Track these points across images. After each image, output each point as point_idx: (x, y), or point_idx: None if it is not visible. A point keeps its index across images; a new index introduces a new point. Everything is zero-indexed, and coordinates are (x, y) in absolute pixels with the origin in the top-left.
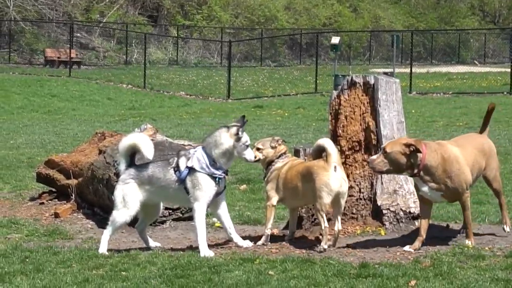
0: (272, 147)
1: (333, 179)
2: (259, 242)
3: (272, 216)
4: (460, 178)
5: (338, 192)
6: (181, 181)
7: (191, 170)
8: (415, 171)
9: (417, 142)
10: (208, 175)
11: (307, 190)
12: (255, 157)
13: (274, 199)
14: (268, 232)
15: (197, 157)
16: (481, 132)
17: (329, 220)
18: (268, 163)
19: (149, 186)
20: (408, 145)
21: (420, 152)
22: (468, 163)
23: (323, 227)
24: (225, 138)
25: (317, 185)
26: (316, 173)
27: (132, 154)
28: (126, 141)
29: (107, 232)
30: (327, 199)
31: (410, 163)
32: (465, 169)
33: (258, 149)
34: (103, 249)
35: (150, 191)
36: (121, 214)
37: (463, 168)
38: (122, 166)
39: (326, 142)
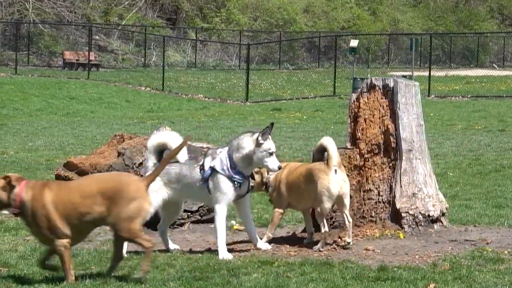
0: None
1: (333, 183)
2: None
3: (278, 221)
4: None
5: (339, 195)
6: (204, 180)
7: (213, 170)
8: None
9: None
10: (228, 177)
11: (309, 191)
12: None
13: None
14: (271, 235)
15: (220, 158)
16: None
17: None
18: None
19: (176, 184)
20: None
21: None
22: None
23: (322, 231)
24: (246, 143)
25: (318, 189)
26: (317, 176)
27: (161, 152)
28: (156, 139)
29: None
30: (327, 203)
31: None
32: (52, 216)
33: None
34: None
35: (176, 189)
36: None
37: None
38: (150, 163)
39: (329, 142)
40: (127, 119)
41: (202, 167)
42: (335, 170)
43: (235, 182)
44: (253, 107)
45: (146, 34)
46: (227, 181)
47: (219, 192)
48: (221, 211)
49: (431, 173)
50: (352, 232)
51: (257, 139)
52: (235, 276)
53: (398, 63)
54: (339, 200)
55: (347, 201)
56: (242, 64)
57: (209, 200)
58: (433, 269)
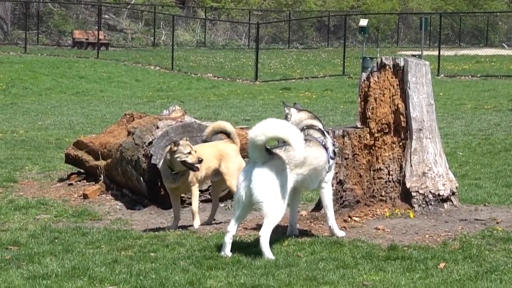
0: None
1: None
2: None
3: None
4: None
5: None
6: (331, 158)
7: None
8: None
9: None
10: None
11: (220, 169)
12: None
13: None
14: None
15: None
16: None
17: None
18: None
19: (303, 169)
20: None
21: None
22: None
23: None
24: None
25: (231, 166)
26: (230, 155)
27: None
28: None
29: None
30: None
31: None
32: None
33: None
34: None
35: (302, 175)
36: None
37: None
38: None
39: (227, 124)
40: (137, 98)
41: (326, 147)
42: None
43: None
44: (262, 87)
45: (155, 13)
46: None
47: (333, 169)
48: (331, 190)
49: (441, 152)
50: (362, 211)
51: None
52: (245, 255)
53: (407, 42)
54: None
55: None
56: (252, 43)
57: (317, 182)
58: (443, 248)
